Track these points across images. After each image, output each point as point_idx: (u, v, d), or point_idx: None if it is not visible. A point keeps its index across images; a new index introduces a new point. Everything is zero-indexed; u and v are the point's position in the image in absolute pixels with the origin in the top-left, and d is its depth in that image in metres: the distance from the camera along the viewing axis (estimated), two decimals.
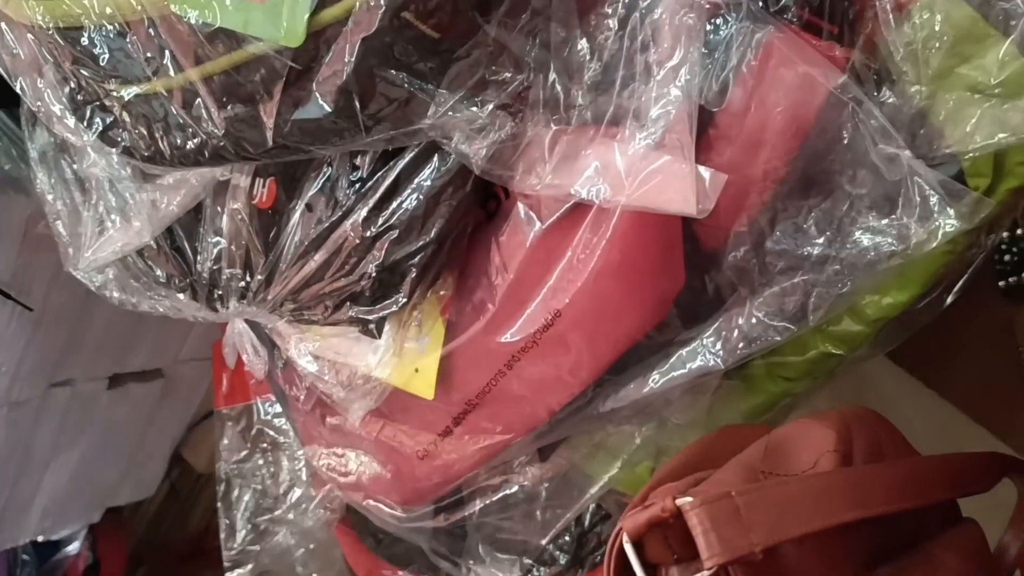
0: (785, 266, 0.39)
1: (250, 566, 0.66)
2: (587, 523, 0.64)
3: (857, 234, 0.37)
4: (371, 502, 0.57)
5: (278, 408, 0.68)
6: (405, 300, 0.45)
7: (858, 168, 0.37)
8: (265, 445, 0.68)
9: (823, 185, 0.38)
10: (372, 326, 0.47)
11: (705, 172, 0.35)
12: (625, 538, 0.30)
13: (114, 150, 0.42)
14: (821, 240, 0.38)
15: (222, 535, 0.67)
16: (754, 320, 0.40)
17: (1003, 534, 0.44)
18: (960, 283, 0.43)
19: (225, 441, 0.68)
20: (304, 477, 0.66)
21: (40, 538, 0.99)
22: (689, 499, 0.29)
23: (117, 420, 0.93)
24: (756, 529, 0.29)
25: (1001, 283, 0.84)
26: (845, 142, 0.36)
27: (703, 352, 0.41)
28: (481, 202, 0.45)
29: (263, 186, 0.47)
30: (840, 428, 0.36)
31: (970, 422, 1.09)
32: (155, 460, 1.05)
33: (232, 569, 0.66)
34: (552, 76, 0.38)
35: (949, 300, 0.43)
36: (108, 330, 0.82)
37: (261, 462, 0.68)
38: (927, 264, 0.41)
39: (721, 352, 0.41)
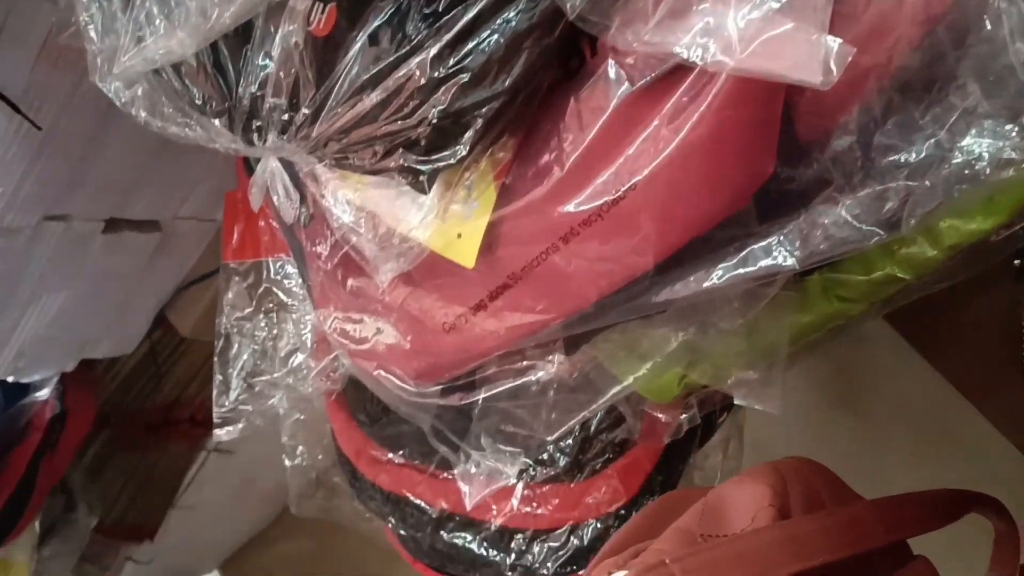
0: (890, 164, 0.36)
1: (241, 425, 0.63)
2: (592, 428, 0.63)
3: (973, 136, 0.35)
4: (382, 372, 0.55)
5: (290, 269, 0.65)
6: (465, 153, 0.41)
7: (989, 65, 0.34)
8: (271, 305, 0.65)
9: (947, 80, 0.35)
10: (423, 178, 0.44)
11: (833, 41, 0.32)
12: None
13: None
14: (933, 140, 0.35)
15: (215, 392, 0.65)
16: (843, 221, 0.38)
17: (986, 573, 0.43)
18: None
19: (229, 295, 0.65)
20: (309, 344, 0.63)
21: (11, 378, 0.96)
22: (624, 573, 0.29)
23: (108, 268, 0.89)
24: None
25: (1016, 261, 0.82)
26: (982, 34, 0.33)
27: (779, 249, 0.39)
28: (563, 60, 0.42)
29: (322, 12, 0.44)
30: (775, 482, 0.37)
31: (961, 399, 1.09)
32: (139, 316, 1.02)
33: (222, 426, 0.64)
34: None
35: None
36: (114, 169, 0.78)
37: (264, 323, 0.65)
38: (1019, 191, 0.39)
39: (799, 251, 0.38)
